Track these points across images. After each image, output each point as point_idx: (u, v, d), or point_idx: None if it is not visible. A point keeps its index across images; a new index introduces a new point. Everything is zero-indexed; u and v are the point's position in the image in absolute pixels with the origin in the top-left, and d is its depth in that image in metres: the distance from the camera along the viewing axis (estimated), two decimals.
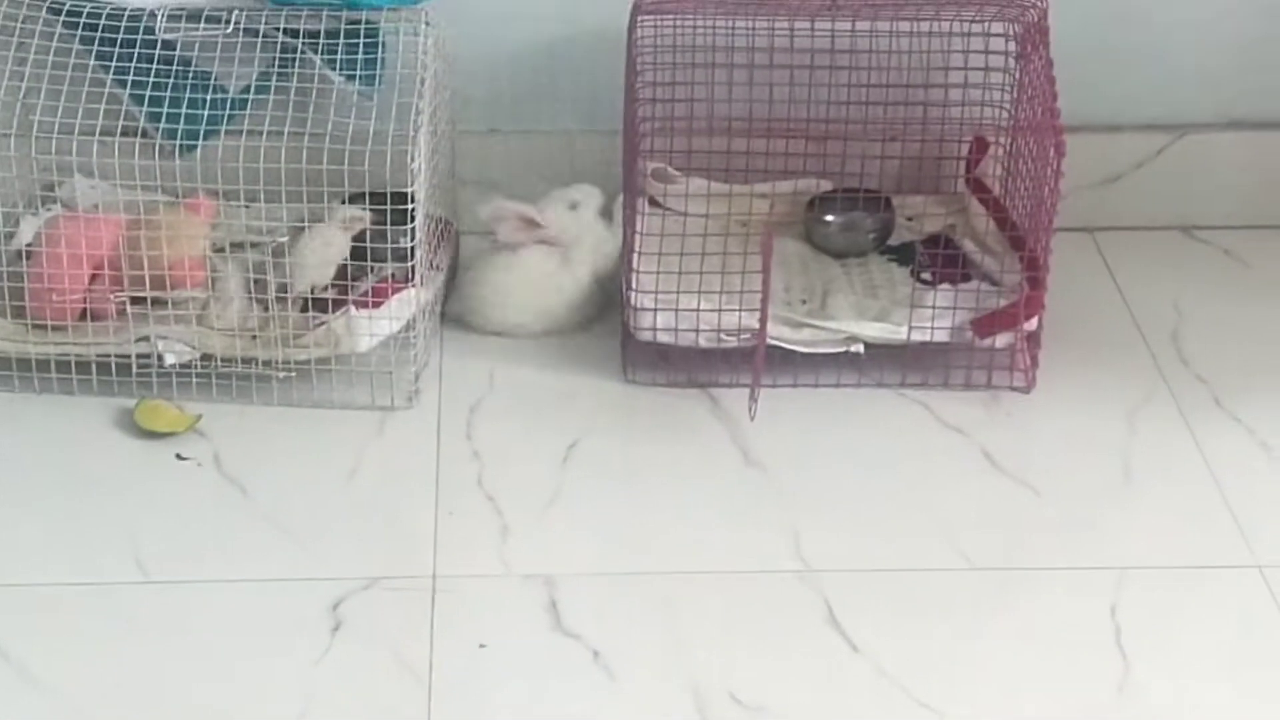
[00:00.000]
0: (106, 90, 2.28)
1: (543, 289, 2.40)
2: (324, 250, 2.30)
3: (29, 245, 2.35)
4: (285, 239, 2.32)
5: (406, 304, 2.28)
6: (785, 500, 2.13)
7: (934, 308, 2.32)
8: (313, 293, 2.29)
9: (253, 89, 2.39)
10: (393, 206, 2.23)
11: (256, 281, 2.29)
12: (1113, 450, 2.23)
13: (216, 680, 1.89)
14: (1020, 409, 2.30)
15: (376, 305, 2.26)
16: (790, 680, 1.90)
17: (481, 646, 1.93)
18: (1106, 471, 2.20)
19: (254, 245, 2.36)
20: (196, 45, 2.33)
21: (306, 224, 2.28)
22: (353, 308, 2.26)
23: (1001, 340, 2.31)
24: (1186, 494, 2.16)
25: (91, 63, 2.30)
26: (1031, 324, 2.30)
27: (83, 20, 2.27)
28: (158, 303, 2.26)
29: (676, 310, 2.27)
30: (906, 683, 1.89)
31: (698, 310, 2.27)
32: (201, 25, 2.29)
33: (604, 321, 2.42)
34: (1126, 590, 2.01)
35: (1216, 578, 2.05)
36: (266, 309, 2.27)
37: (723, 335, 2.28)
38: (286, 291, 2.27)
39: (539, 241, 2.40)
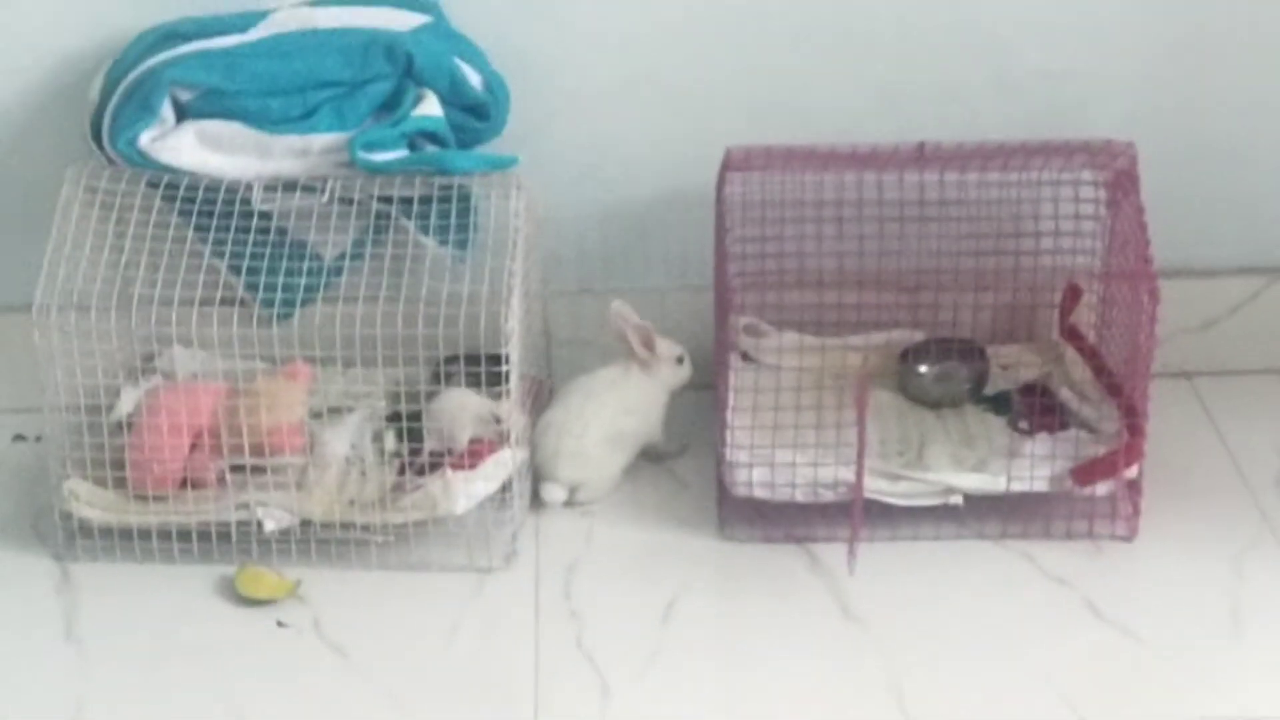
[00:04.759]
0: (204, 261, 2.32)
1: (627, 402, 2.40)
2: (459, 413, 2.31)
3: (129, 415, 2.37)
4: (382, 403, 2.36)
5: (502, 464, 2.28)
6: (887, 656, 2.11)
7: (1032, 457, 2.30)
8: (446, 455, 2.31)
9: (348, 256, 2.42)
10: (488, 369, 2.24)
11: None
12: (1220, 597, 2.20)
13: None
14: (1123, 557, 2.27)
15: (472, 466, 2.27)
16: None
17: None
18: (1214, 619, 2.16)
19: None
20: (292, 214, 2.36)
21: (443, 386, 2.32)
22: (449, 469, 2.27)
23: (1102, 488, 2.28)
24: None
25: (189, 234, 2.34)
26: (1132, 471, 2.28)
27: (180, 193, 2.31)
28: (256, 469, 2.27)
29: (772, 465, 2.27)
30: None
31: (794, 464, 2.27)
32: (297, 195, 2.32)
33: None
34: None
35: None
36: (401, 472, 2.31)
37: (819, 489, 2.27)
38: (419, 454, 2.31)
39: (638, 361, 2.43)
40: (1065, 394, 2.44)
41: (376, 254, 2.39)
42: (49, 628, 2.18)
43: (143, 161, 2.32)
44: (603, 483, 2.39)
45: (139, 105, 2.32)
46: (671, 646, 2.14)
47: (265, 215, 2.34)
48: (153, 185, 2.33)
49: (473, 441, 2.32)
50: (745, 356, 2.52)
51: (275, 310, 2.34)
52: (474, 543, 2.27)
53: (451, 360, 2.33)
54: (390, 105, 2.36)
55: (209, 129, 2.33)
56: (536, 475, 2.38)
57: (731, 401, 2.31)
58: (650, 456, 2.45)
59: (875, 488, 2.27)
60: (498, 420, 2.28)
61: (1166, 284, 2.23)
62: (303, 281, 2.33)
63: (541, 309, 2.50)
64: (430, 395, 2.34)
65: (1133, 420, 2.27)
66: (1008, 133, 2.42)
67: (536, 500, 2.37)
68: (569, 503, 2.37)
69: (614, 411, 2.39)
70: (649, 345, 2.42)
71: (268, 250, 2.31)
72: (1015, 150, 2.37)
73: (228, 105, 2.34)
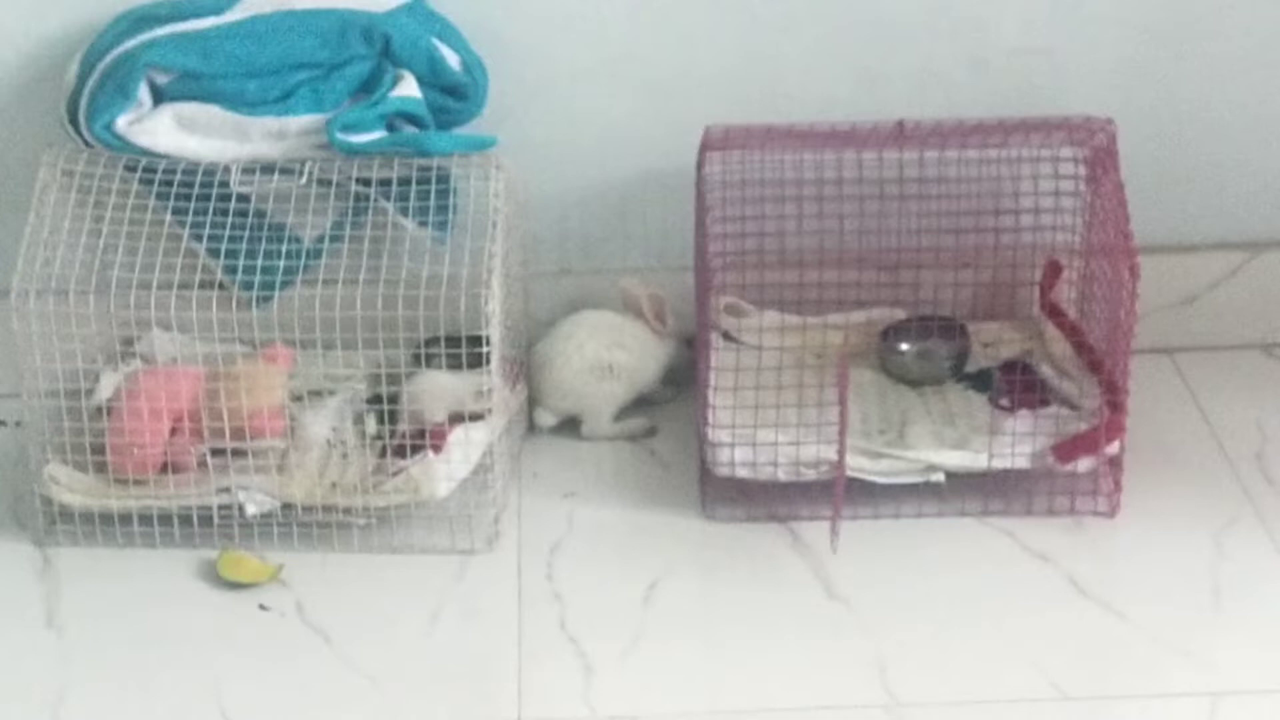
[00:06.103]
0: (183, 244, 2.31)
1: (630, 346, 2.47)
2: (439, 394, 2.31)
3: (109, 400, 2.37)
4: (363, 385, 2.36)
5: (475, 445, 2.27)
6: (869, 633, 2.11)
7: (1014, 434, 2.30)
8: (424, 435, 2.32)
9: (327, 238, 2.42)
10: (469, 350, 2.24)
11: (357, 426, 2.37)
12: (1201, 574, 2.20)
13: None
14: (1105, 534, 2.28)
15: (436, 449, 2.27)
16: None
17: None
18: (1195, 595, 2.17)
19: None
20: (270, 197, 2.35)
21: (423, 368, 2.33)
22: (430, 453, 2.26)
23: (1083, 465, 2.29)
24: (1278, 616, 2.13)
25: (167, 218, 2.33)
26: (1113, 448, 2.28)
27: (158, 176, 2.30)
28: (238, 453, 2.27)
29: (754, 444, 2.27)
30: None
31: (776, 444, 2.27)
32: (275, 177, 2.31)
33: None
34: (1220, 717, 1.98)
35: None
36: (382, 455, 2.30)
37: (801, 468, 2.27)
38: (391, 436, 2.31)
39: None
40: (1046, 371, 2.44)
41: (356, 236, 2.39)
42: (30, 613, 2.18)
43: (120, 145, 2.31)
44: (596, 413, 2.44)
45: (115, 89, 2.31)
46: (654, 627, 2.14)
47: (243, 198, 2.34)
48: (130, 169, 2.32)
49: (435, 424, 2.31)
50: (726, 336, 2.52)
51: (255, 293, 2.33)
52: (456, 525, 2.27)
53: (432, 342, 2.33)
54: (368, 87, 2.35)
55: (186, 112, 2.33)
56: (531, 401, 2.46)
57: (713, 381, 2.30)
58: (647, 399, 2.50)
59: (857, 466, 2.27)
60: (481, 399, 2.28)
61: (1147, 260, 2.23)
62: (282, 264, 2.32)
63: (522, 290, 2.49)
64: (408, 378, 2.33)
65: (1114, 396, 2.27)
66: (987, 111, 2.42)
67: (517, 481, 2.38)
68: (574, 431, 2.45)
69: (604, 343, 2.44)
70: (661, 315, 2.47)
71: (246, 233, 2.31)
72: (994, 128, 2.37)
73: (204, 88, 2.33)
